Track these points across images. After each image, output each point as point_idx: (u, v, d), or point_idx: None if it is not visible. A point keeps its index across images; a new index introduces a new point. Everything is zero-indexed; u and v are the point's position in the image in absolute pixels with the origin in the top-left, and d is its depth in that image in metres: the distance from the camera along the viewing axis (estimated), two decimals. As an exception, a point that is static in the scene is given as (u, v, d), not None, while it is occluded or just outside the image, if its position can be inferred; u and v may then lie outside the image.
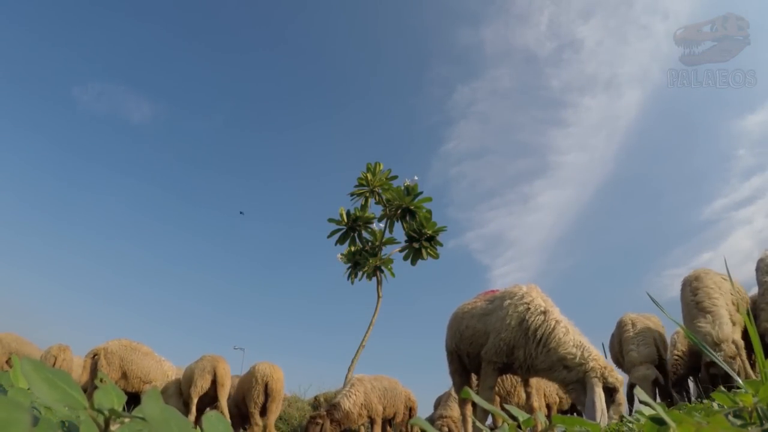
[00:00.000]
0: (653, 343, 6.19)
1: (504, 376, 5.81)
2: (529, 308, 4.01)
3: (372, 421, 7.43)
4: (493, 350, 4.08)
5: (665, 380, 5.96)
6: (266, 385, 7.11)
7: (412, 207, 12.28)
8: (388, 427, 8.07)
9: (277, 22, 39.07)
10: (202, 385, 7.08)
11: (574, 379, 3.74)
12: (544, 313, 3.95)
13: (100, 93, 36.34)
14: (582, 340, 3.83)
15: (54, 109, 34.76)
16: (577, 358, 3.72)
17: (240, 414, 7.35)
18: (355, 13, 39.75)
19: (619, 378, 3.70)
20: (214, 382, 7.21)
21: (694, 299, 5.11)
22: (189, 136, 39.90)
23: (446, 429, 7.35)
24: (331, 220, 12.99)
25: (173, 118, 38.84)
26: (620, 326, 6.61)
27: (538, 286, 4.30)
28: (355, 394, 7.31)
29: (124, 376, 7.03)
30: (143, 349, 7.31)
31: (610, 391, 3.61)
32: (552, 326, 3.87)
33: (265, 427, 7.15)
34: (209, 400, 7.31)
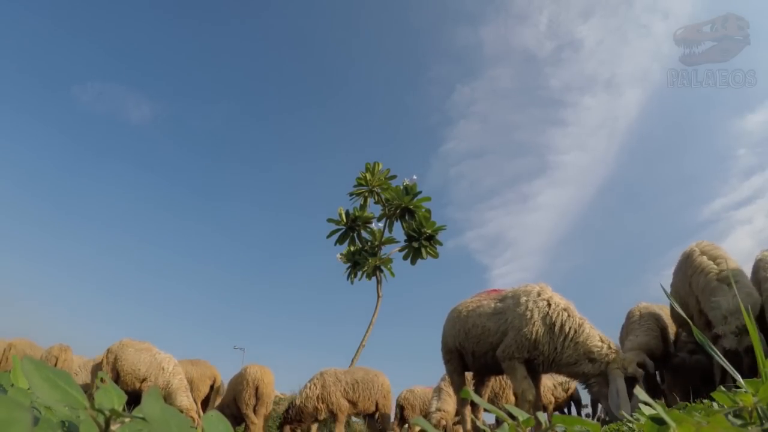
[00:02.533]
0: (657, 335, 5.73)
1: (495, 377, 5.77)
2: (550, 305, 4.12)
3: (335, 417, 7.24)
4: (514, 346, 4.12)
5: (653, 376, 5.71)
6: (257, 388, 7.21)
7: (411, 206, 12.29)
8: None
9: (277, 21, 39.08)
10: (203, 391, 8.00)
11: (597, 371, 3.88)
12: (566, 309, 4.09)
13: (100, 92, 36.33)
14: (602, 335, 3.98)
15: (54, 109, 34.75)
16: (603, 350, 3.87)
17: (231, 414, 7.38)
18: (354, 12, 39.77)
19: (639, 370, 3.81)
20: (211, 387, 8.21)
21: None
22: (188, 135, 39.90)
23: (444, 422, 7.09)
24: (330, 220, 13.00)
25: (172, 117, 38.84)
26: (628, 316, 6.37)
27: (549, 285, 4.39)
28: (310, 388, 7.25)
29: (117, 375, 6.89)
30: (139, 346, 7.11)
31: (631, 381, 3.71)
32: (578, 321, 4.02)
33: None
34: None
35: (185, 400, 6.70)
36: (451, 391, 7.17)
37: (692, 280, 4.78)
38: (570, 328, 3.99)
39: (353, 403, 7.34)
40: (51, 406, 0.51)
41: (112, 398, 0.56)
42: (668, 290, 5.02)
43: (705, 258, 4.72)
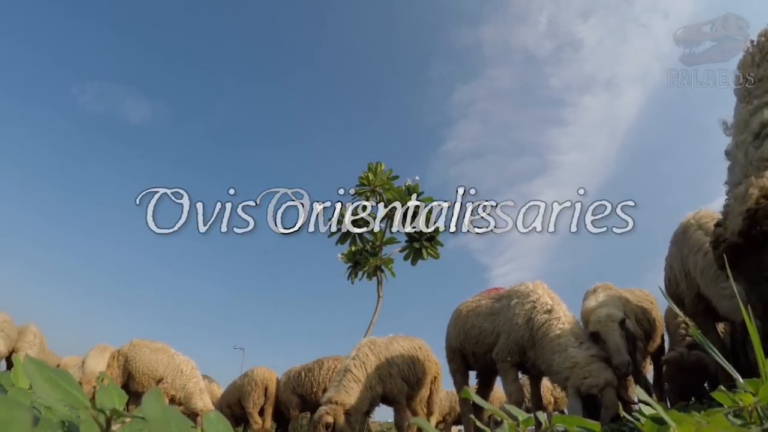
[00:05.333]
0: (621, 307, 4.28)
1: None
2: (535, 306, 3.95)
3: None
4: (506, 350, 4.06)
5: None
6: (266, 389, 7.32)
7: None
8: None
9: (278, 23, 39.08)
10: None
11: (563, 384, 3.57)
12: (549, 311, 3.87)
13: (99, 92, 36.38)
14: (567, 342, 3.61)
15: (53, 109, 34.78)
16: (555, 364, 3.57)
17: (232, 415, 7.42)
18: (354, 13, 39.77)
19: (598, 383, 3.33)
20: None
21: None
22: (188, 135, 39.91)
23: (330, 419, 4.45)
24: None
25: (172, 116, 38.84)
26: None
27: (544, 283, 4.24)
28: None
29: (130, 375, 6.84)
30: (153, 346, 7.03)
31: (592, 398, 3.33)
32: (551, 325, 3.76)
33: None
34: None
35: (200, 402, 6.76)
36: (361, 375, 4.84)
37: (688, 260, 3.97)
38: (542, 333, 3.75)
39: (301, 396, 6.83)
40: (52, 406, 0.51)
41: (113, 398, 0.57)
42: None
43: (702, 234, 3.92)
